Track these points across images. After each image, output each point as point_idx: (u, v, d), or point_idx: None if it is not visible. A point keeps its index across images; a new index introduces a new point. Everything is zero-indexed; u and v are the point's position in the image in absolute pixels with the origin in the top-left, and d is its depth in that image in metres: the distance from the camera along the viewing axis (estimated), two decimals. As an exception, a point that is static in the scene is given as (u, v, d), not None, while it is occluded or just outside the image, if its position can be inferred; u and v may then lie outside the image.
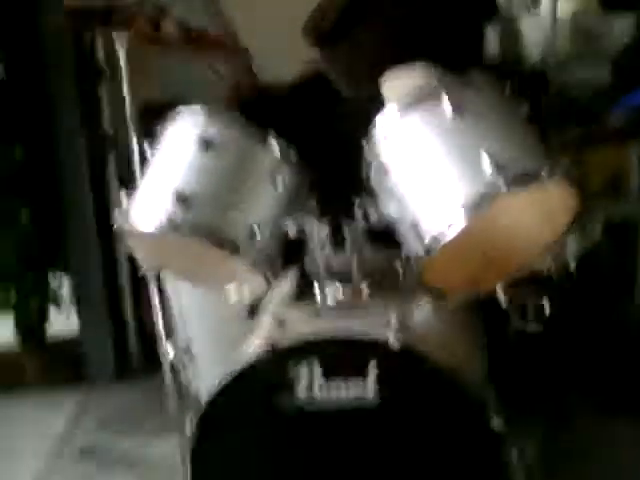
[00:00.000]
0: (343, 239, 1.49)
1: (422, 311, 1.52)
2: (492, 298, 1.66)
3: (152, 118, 2.51)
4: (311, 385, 1.38)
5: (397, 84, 1.69)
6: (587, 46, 2.37)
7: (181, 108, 1.55)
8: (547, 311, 1.78)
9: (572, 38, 2.37)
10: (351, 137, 1.46)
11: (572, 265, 1.76)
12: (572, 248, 1.76)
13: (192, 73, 2.53)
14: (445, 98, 1.35)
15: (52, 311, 2.76)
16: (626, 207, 2.31)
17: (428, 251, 1.33)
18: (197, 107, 1.52)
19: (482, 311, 1.66)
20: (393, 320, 1.39)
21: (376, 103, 1.65)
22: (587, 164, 2.38)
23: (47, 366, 2.76)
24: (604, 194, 2.37)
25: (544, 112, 2.11)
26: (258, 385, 1.41)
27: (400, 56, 1.75)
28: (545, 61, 2.25)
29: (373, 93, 1.74)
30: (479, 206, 1.29)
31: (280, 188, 1.49)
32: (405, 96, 1.40)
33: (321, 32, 1.86)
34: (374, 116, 1.42)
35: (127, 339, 2.85)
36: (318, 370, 1.37)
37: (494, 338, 1.72)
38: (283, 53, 2.26)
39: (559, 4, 2.30)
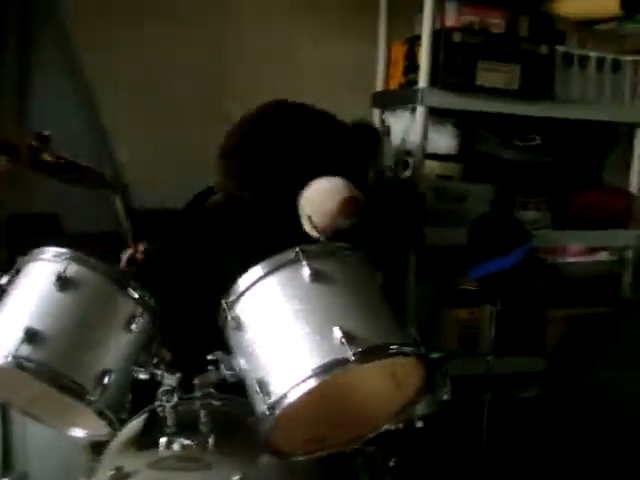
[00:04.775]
0: (193, 389, 1.48)
1: (266, 467, 1.51)
2: (341, 454, 1.68)
3: (18, 229, 2.45)
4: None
5: (316, 196, 1.75)
6: (447, 209, 2.52)
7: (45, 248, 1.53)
8: (394, 465, 1.81)
9: (433, 199, 2.52)
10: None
11: (419, 424, 1.80)
12: (420, 409, 1.80)
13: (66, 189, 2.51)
14: (305, 264, 1.40)
15: None
16: (479, 363, 2.39)
17: (272, 410, 1.34)
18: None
19: (330, 467, 1.66)
20: (236, 477, 1.38)
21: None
22: (443, 322, 2.48)
23: None
24: (459, 351, 2.47)
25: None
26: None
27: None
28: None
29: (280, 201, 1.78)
30: (326, 373, 1.31)
31: (134, 335, 1.48)
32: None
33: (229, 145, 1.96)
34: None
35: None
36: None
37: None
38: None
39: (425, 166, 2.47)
